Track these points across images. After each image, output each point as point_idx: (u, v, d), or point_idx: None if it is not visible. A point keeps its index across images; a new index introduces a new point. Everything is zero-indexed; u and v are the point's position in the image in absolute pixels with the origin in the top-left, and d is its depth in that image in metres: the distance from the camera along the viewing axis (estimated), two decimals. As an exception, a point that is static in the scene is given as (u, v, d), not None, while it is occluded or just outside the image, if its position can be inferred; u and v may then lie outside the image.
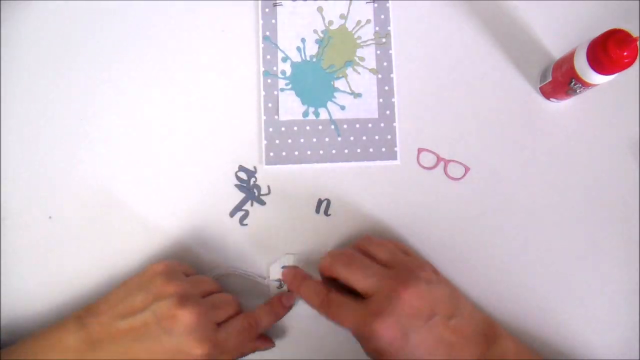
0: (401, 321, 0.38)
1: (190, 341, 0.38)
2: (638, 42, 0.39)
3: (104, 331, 0.39)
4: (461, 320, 0.40)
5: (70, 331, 0.39)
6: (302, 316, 0.46)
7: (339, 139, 0.49)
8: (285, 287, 0.46)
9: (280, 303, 0.45)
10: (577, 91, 0.45)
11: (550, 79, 0.47)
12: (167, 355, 0.38)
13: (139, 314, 0.39)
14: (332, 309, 0.41)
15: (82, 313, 0.41)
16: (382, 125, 0.49)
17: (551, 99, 0.49)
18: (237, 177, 0.48)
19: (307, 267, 0.47)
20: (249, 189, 0.48)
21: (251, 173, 0.48)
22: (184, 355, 0.38)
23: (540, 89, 0.49)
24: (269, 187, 0.48)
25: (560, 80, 0.46)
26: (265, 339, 0.45)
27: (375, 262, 0.42)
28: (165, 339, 0.38)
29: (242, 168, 0.48)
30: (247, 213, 0.47)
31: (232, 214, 0.47)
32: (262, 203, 0.48)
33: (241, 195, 0.48)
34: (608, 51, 0.40)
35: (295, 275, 0.45)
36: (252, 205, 0.48)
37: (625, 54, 0.39)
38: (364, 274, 0.40)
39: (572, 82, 0.44)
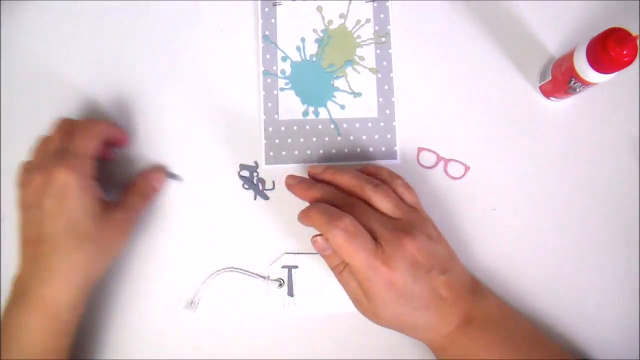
0: (406, 270, 0.39)
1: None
2: (637, 41, 0.39)
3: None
4: (453, 277, 0.42)
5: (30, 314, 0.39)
6: (302, 317, 0.46)
7: (339, 138, 0.49)
8: (285, 286, 0.46)
9: (151, 186, 0.46)
10: (577, 90, 0.45)
11: (549, 77, 0.47)
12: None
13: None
14: (343, 236, 0.38)
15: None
16: (381, 124, 0.49)
17: (551, 97, 0.49)
18: (240, 177, 0.48)
19: (308, 266, 0.47)
20: (253, 183, 0.48)
21: (253, 168, 0.48)
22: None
23: (540, 87, 0.49)
24: (273, 182, 0.48)
25: (560, 79, 0.46)
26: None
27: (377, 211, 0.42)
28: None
29: (243, 166, 0.48)
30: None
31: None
32: (266, 197, 0.48)
33: (242, 193, 0.48)
34: (607, 50, 0.40)
35: (302, 181, 0.44)
36: (255, 199, 0.48)
37: (624, 52, 0.39)
38: (368, 219, 0.40)
39: (571, 81, 0.44)
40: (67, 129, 0.43)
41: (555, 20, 0.51)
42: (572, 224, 0.48)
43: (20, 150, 0.47)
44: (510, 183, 0.49)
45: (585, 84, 0.43)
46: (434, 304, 0.40)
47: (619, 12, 0.51)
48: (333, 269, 0.42)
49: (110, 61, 0.49)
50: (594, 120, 0.50)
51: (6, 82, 0.48)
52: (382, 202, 0.41)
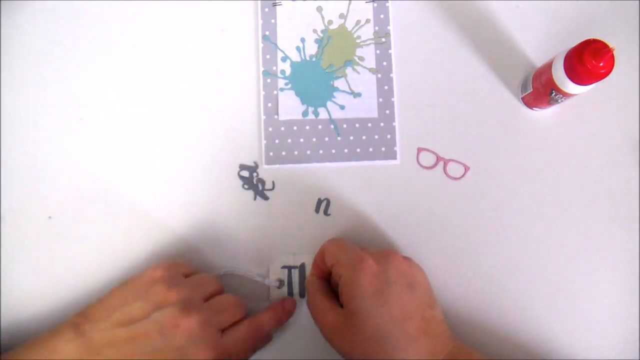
0: (383, 274, 0.41)
1: (195, 349, 0.38)
2: (614, 52, 0.39)
3: (103, 338, 0.39)
4: (438, 316, 0.42)
5: (67, 339, 0.39)
6: (302, 315, 0.47)
7: (339, 138, 0.50)
8: (285, 287, 0.47)
9: (283, 308, 0.46)
10: (559, 101, 0.45)
11: (530, 89, 0.47)
12: None
13: (140, 322, 0.39)
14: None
15: (77, 319, 0.40)
16: (381, 124, 0.50)
17: (534, 108, 0.49)
18: (240, 177, 0.49)
19: (308, 266, 0.47)
20: (253, 183, 0.48)
21: (253, 168, 0.49)
22: None
23: (522, 99, 0.50)
24: (273, 182, 0.49)
25: (540, 91, 0.46)
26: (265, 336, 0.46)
27: None
28: (168, 347, 0.38)
29: (243, 167, 0.49)
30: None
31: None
32: (266, 198, 0.48)
33: (242, 193, 0.48)
34: (584, 62, 0.40)
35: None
36: (255, 199, 0.48)
37: (601, 64, 0.40)
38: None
39: (552, 92, 0.44)
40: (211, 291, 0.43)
41: (558, 21, 0.51)
42: (571, 224, 0.49)
43: (21, 150, 0.48)
44: (510, 183, 0.50)
45: (565, 95, 0.44)
46: (414, 324, 0.40)
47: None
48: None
49: (110, 61, 0.50)
50: (593, 121, 0.51)
51: (6, 82, 0.49)
52: None
